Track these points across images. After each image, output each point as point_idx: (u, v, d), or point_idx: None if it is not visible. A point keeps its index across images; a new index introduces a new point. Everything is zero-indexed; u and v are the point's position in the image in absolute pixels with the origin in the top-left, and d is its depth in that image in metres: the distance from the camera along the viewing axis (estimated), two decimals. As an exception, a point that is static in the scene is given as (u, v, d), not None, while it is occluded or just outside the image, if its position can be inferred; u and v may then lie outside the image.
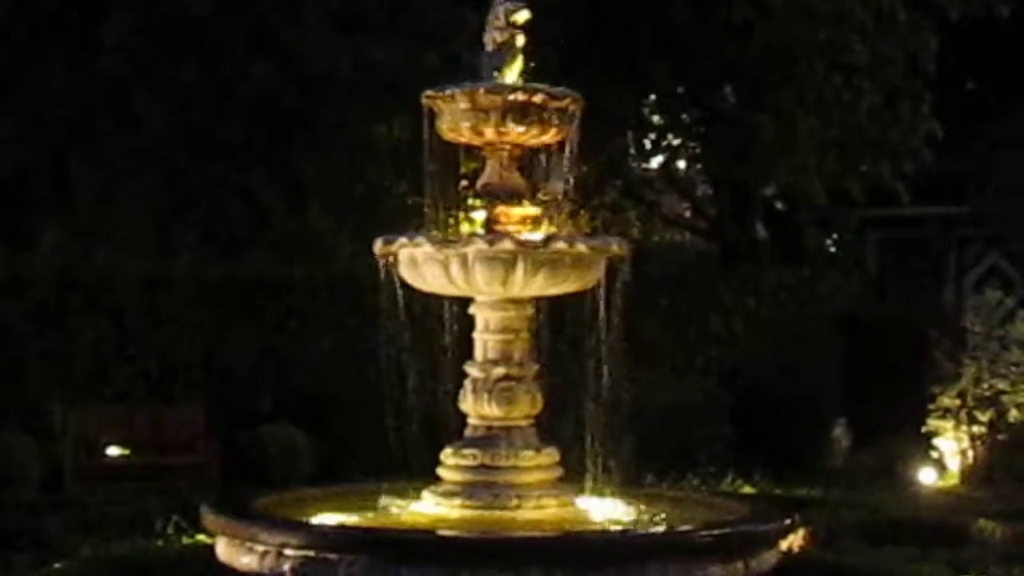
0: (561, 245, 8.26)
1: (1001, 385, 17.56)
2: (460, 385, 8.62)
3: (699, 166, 24.04)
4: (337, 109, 17.88)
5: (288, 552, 7.60)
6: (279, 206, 18.35)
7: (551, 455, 8.57)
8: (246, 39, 17.64)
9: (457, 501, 8.38)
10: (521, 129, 8.48)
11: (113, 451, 15.90)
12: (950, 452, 17.54)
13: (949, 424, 17.58)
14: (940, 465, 17.40)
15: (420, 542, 7.77)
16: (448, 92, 8.52)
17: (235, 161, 18.08)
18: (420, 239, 8.30)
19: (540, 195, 8.67)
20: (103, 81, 17.64)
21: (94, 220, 19.09)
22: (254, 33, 17.64)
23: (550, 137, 8.59)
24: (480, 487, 8.37)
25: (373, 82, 17.59)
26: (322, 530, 7.99)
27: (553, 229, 8.51)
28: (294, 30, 17.49)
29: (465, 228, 8.46)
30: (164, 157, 17.94)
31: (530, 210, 8.57)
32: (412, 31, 17.83)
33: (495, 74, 8.56)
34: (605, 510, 8.70)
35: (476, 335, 8.63)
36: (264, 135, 18.05)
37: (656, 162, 24.40)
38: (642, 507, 8.87)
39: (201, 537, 9.89)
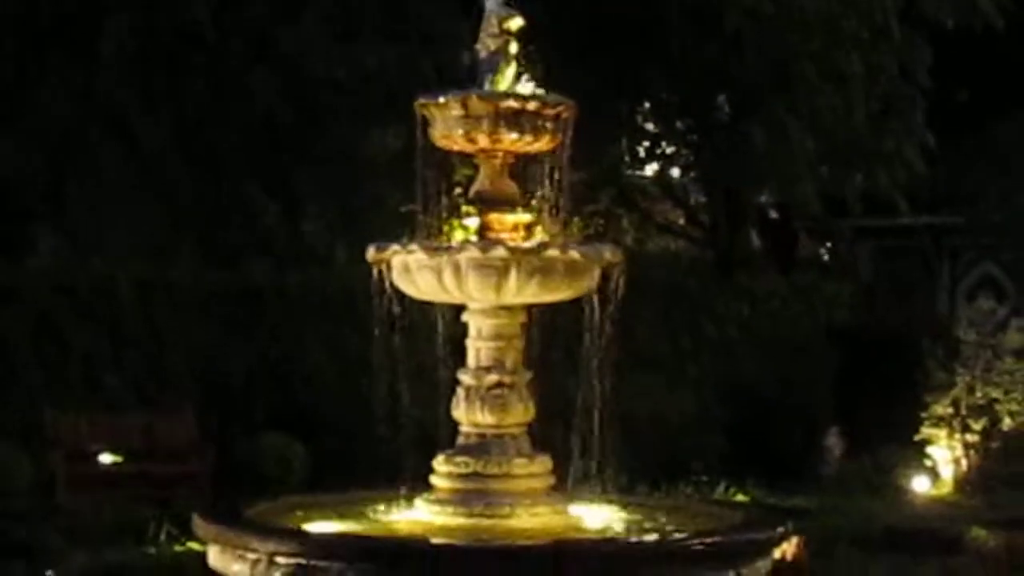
0: (554, 252, 8.21)
1: (994, 394, 17.60)
2: (453, 393, 8.58)
3: (693, 174, 24.04)
4: (333, 116, 17.89)
5: (280, 560, 7.54)
6: (274, 213, 18.35)
7: (544, 463, 8.53)
8: (244, 47, 17.65)
9: (450, 509, 8.33)
10: (514, 136, 8.43)
11: (105, 459, 15.87)
12: (943, 460, 17.56)
13: (942, 432, 17.61)
14: (934, 473, 17.41)
15: (412, 550, 7.72)
16: (441, 99, 8.47)
17: (231, 169, 18.09)
18: (413, 246, 8.26)
19: (533, 202, 8.64)
20: (100, 93, 17.64)
21: (90, 228, 19.09)
22: (252, 41, 17.65)
23: (544, 144, 8.55)
24: (473, 495, 8.32)
25: (369, 89, 17.60)
26: (314, 538, 7.94)
27: (546, 236, 8.48)
28: (292, 36, 17.50)
29: (458, 235, 8.42)
30: (160, 166, 17.94)
31: (523, 217, 8.53)
32: (408, 38, 17.85)
33: (488, 81, 8.53)
34: (598, 518, 8.66)
35: (469, 342, 8.58)
36: (260, 143, 18.06)
37: (650, 170, 24.39)
38: (635, 515, 8.84)
39: (193, 545, 9.86)
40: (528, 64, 8.58)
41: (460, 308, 8.58)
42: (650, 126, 23.01)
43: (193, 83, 17.64)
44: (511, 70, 8.53)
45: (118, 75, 17.43)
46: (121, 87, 17.53)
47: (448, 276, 8.20)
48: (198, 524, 8.23)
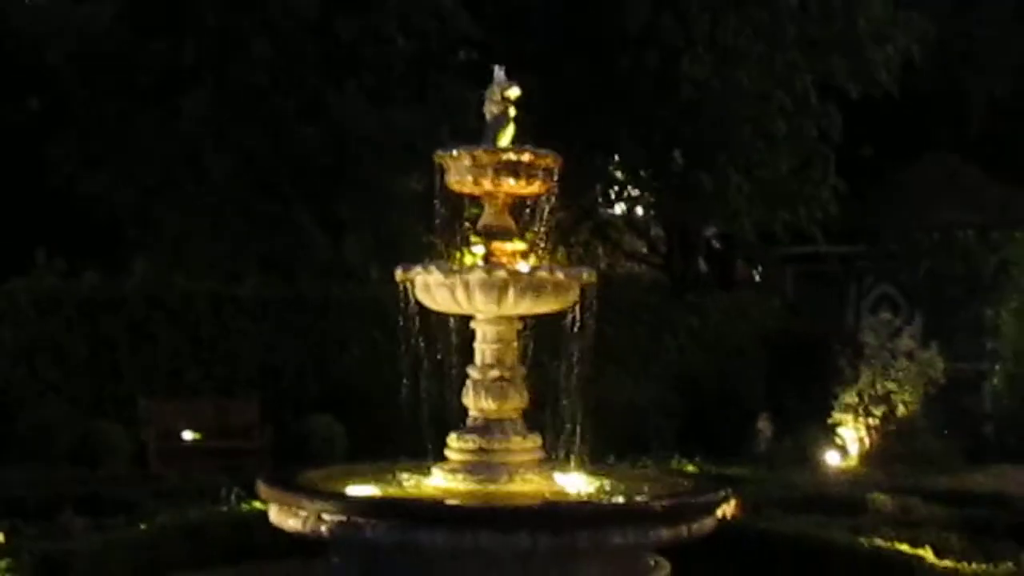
0: (544, 274, 8.24)
1: (891, 386, 17.60)
2: (463, 384, 8.58)
3: (653, 213, 24.04)
4: (368, 164, 17.89)
5: (326, 517, 7.56)
6: (321, 239, 18.34)
7: (535, 440, 8.53)
8: (298, 106, 17.65)
9: (460, 477, 8.33)
10: (512, 182, 8.46)
11: (187, 436, 15.86)
12: (851, 439, 17.55)
13: (850, 417, 17.60)
14: (843, 450, 17.40)
15: (431, 509, 7.73)
16: (455, 152, 8.51)
17: (286, 205, 18.08)
18: (432, 268, 8.28)
19: (528, 234, 8.64)
20: (182, 141, 17.66)
21: (175, 251, 19.08)
22: (304, 102, 17.65)
23: (535, 188, 8.57)
24: (479, 466, 8.33)
25: (397, 143, 17.61)
26: (353, 499, 7.95)
27: (538, 261, 8.49)
28: (336, 100, 17.49)
29: (468, 260, 8.43)
30: (230, 202, 17.94)
31: (519, 246, 8.54)
32: (428, 102, 17.88)
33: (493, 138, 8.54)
34: (577, 484, 8.66)
35: (476, 345, 8.59)
36: (310, 184, 18.06)
37: (619, 209, 24.40)
38: (606, 482, 8.83)
39: (257, 505, 9.84)
40: (522, 126, 8.59)
41: (469, 317, 8.58)
42: (619, 174, 23.01)
43: (257, 134, 17.63)
44: (510, 130, 8.55)
45: (197, 126, 17.44)
46: (199, 135, 17.55)
47: (460, 292, 8.22)
48: (261, 488, 8.23)
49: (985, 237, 20.46)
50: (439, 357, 8.65)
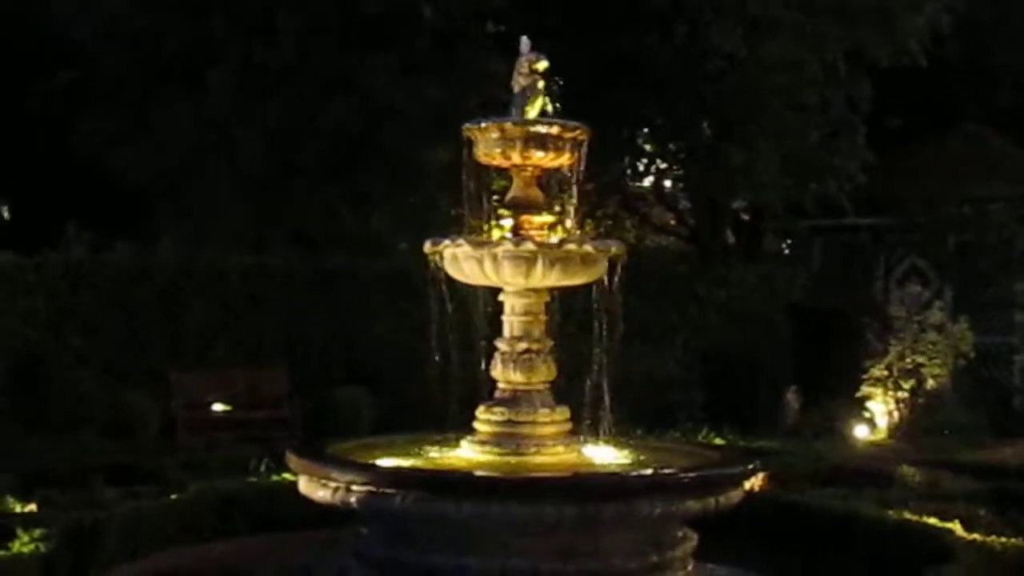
0: (572, 246, 8.23)
1: (920, 360, 17.57)
2: (491, 357, 8.59)
3: (681, 185, 23.97)
4: (395, 136, 17.89)
5: (355, 488, 7.59)
6: (348, 211, 18.36)
7: (563, 413, 8.53)
8: (325, 80, 17.65)
9: (488, 448, 8.35)
10: (541, 154, 8.44)
11: (216, 407, 15.93)
12: (879, 413, 17.54)
13: (878, 390, 17.59)
14: (871, 423, 17.39)
15: (459, 480, 7.75)
16: (483, 125, 8.48)
17: (314, 177, 18.10)
18: (461, 241, 8.27)
19: (556, 207, 8.63)
20: (209, 115, 17.70)
21: (203, 224, 19.15)
22: (331, 75, 17.64)
23: (564, 160, 8.54)
24: (507, 438, 8.34)
25: (425, 115, 17.60)
26: (382, 470, 7.97)
27: (566, 234, 8.48)
28: (363, 71, 17.48)
29: (496, 233, 8.42)
30: (257, 174, 17.98)
31: (547, 218, 8.52)
32: (457, 76, 17.84)
33: (521, 110, 8.52)
34: (605, 456, 8.66)
35: (504, 317, 8.58)
36: (337, 155, 18.07)
37: (647, 181, 24.34)
38: (634, 454, 8.83)
39: (286, 476, 9.90)
40: (552, 97, 8.56)
41: (497, 290, 8.58)
42: (647, 147, 22.94)
43: (283, 107, 17.65)
44: (539, 102, 8.52)
45: (223, 101, 17.46)
46: (225, 110, 17.58)
47: (488, 265, 8.21)
48: (290, 459, 8.27)
49: (1015, 209, 20.33)
50: (467, 330, 8.65)
